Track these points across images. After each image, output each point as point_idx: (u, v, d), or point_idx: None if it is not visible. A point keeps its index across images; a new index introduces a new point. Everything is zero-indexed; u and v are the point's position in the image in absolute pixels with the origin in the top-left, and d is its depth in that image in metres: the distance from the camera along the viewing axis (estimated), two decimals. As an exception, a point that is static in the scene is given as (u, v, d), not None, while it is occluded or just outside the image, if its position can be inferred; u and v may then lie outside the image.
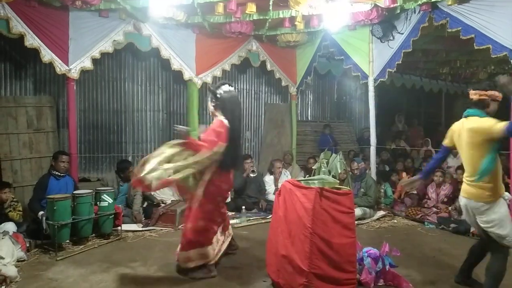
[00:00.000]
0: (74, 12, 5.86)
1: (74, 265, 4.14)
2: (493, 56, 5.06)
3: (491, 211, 3.11)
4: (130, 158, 7.46)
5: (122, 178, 5.82)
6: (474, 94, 3.25)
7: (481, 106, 3.21)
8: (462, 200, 3.34)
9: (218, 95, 3.98)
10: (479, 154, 3.11)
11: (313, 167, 6.97)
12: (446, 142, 3.51)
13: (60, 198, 4.52)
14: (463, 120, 3.30)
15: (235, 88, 4.35)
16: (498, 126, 2.96)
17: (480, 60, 8.82)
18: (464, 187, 3.29)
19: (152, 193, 6.11)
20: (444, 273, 3.92)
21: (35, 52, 5.66)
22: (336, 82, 10.56)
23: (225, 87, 4.02)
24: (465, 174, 3.31)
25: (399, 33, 6.27)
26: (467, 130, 3.19)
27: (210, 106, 4.07)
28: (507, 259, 3.18)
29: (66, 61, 5.88)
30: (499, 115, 3.21)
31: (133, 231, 5.35)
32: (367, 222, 6.01)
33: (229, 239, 4.28)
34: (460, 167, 6.88)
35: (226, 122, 3.86)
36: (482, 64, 9.32)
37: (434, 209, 6.14)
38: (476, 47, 5.16)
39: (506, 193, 3.31)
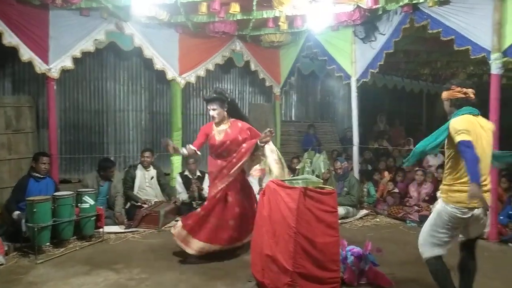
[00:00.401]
0: (54, 11, 5.75)
1: (55, 268, 4.06)
2: (472, 57, 5.19)
3: None
4: (112, 159, 7.37)
5: (102, 177, 5.73)
6: (472, 93, 3.05)
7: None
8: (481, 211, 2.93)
9: (229, 99, 4.36)
10: None
11: (297, 167, 7.08)
12: (471, 139, 2.83)
13: (39, 200, 4.42)
14: (475, 118, 2.98)
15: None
16: None
17: (460, 61, 8.98)
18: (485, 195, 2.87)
19: (136, 193, 6.06)
20: (425, 271, 3.94)
21: (14, 50, 5.53)
22: (319, 83, 10.64)
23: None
24: (482, 179, 2.82)
25: (381, 34, 6.34)
26: (488, 129, 3.00)
27: (222, 112, 4.33)
28: None
29: (46, 60, 5.77)
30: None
31: (115, 232, 5.28)
32: (350, 221, 6.06)
33: None
34: (441, 166, 7.03)
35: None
36: (461, 65, 9.50)
37: (416, 208, 6.23)
38: (456, 48, 5.27)
39: None
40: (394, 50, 6.29)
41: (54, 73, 5.88)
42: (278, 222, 3.35)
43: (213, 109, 4.30)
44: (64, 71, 6.10)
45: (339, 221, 4.26)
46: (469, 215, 2.91)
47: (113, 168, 5.81)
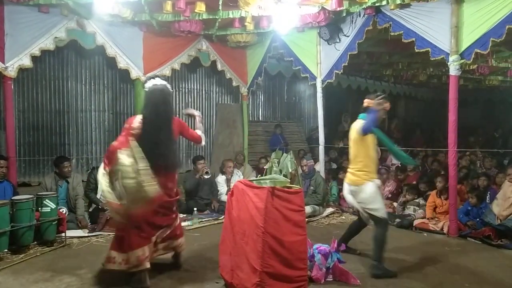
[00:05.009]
0: (9, 6, 5.52)
1: (14, 275, 3.88)
2: (432, 59, 5.38)
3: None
4: (74, 161, 7.15)
5: (58, 175, 5.55)
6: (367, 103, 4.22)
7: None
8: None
9: (145, 89, 3.79)
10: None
11: (264, 167, 7.09)
12: None
13: (-4, 204, 4.22)
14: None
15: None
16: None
17: (420, 62, 9.29)
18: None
19: (99, 195, 5.89)
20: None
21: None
22: (286, 83, 10.74)
23: (153, 81, 3.72)
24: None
25: (345, 35, 6.47)
26: (353, 128, 4.29)
27: None
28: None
29: (1, 58, 5.53)
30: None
31: (78, 237, 5.12)
32: (317, 219, 6.15)
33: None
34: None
35: (138, 118, 3.60)
36: (422, 66, 9.84)
37: (380, 205, 6.38)
38: (416, 50, 5.45)
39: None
40: (358, 51, 6.42)
41: (11, 72, 5.64)
42: (246, 222, 3.35)
43: None
44: (22, 70, 5.88)
45: (306, 219, 4.31)
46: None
47: (66, 163, 5.62)
